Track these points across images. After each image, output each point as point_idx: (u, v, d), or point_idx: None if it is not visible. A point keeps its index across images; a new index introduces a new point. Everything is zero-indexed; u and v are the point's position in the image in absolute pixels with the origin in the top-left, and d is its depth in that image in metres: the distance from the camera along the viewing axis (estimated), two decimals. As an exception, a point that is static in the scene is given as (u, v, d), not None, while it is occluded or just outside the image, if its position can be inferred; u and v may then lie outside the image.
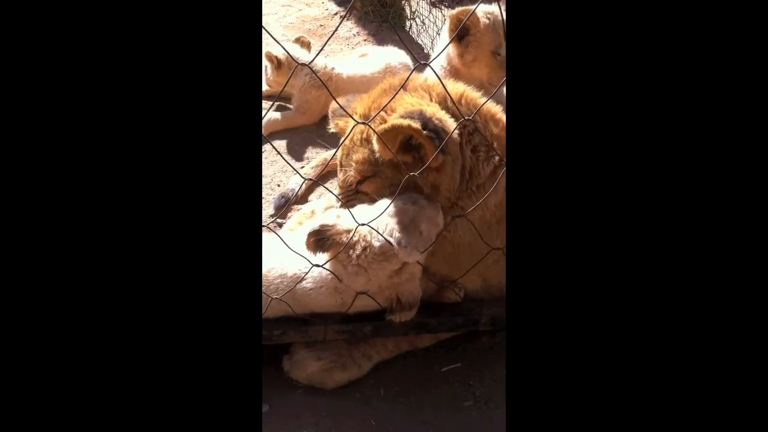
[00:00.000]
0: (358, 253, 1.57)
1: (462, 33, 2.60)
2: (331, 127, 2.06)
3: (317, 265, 1.58)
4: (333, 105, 2.05)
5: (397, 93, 1.58)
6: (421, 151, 1.63)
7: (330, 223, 1.59)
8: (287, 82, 2.77)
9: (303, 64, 1.45)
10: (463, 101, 1.76)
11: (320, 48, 1.52)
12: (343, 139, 1.76)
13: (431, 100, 1.72)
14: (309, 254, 1.58)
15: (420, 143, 1.60)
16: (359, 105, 1.83)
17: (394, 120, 1.58)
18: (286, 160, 1.58)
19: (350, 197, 1.81)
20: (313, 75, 3.16)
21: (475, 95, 1.79)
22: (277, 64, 3.27)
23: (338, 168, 1.87)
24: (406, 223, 1.57)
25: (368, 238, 1.56)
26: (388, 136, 1.59)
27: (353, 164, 1.76)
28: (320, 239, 1.55)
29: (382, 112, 1.64)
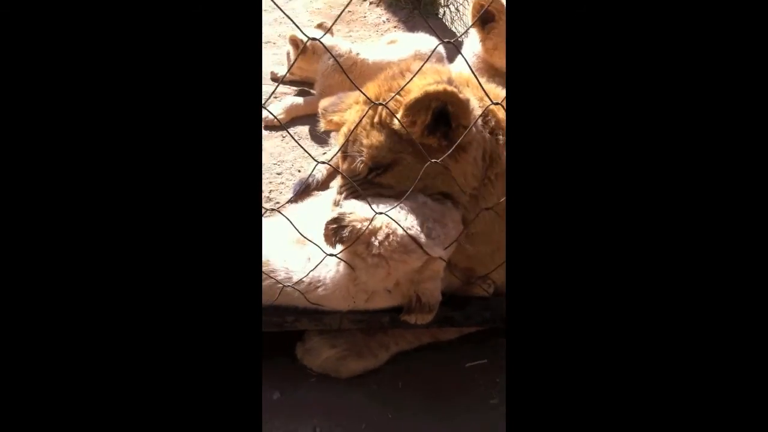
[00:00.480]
0: (380, 240, 1.43)
1: (486, 18, 2.50)
2: (323, 126, 1.83)
3: (331, 254, 1.46)
4: (322, 103, 1.84)
5: (415, 75, 1.42)
6: (453, 124, 1.49)
7: (348, 211, 1.45)
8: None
9: (314, 39, 1.31)
10: (470, 85, 1.63)
11: (330, 26, 1.40)
12: (346, 127, 1.58)
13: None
14: (323, 245, 1.47)
15: (456, 112, 1.46)
16: (370, 89, 1.64)
17: (427, 87, 1.44)
18: (301, 146, 1.42)
19: (357, 189, 1.60)
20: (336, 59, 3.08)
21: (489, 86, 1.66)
22: (302, 48, 3.17)
23: (340, 160, 1.67)
24: (436, 218, 1.47)
25: (392, 226, 1.43)
26: (419, 105, 1.45)
27: (364, 150, 1.56)
28: (339, 227, 1.42)
29: (398, 96, 1.49)
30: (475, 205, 1.59)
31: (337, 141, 1.76)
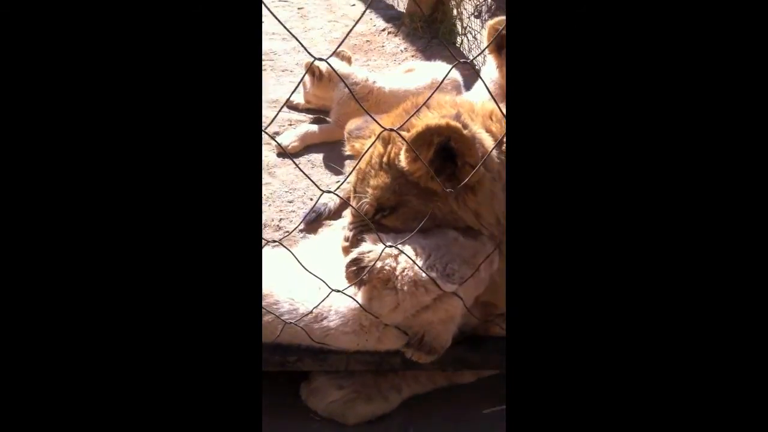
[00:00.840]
0: (397, 273, 1.39)
1: (502, 44, 2.46)
2: (347, 149, 1.83)
3: (337, 290, 1.37)
4: (349, 125, 1.83)
5: (425, 102, 1.36)
6: (458, 161, 1.41)
7: (367, 250, 1.40)
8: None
9: (320, 59, 1.25)
10: (493, 118, 1.53)
11: (336, 48, 1.36)
12: (358, 160, 1.53)
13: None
14: (335, 281, 1.40)
15: (460, 148, 1.38)
16: (385, 121, 1.56)
17: (429, 121, 1.36)
18: (307, 176, 1.32)
19: (363, 230, 1.56)
20: (354, 87, 3.06)
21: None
22: (319, 75, 3.17)
23: (351, 195, 1.63)
24: (466, 257, 1.41)
25: (410, 263, 1.38)
26: (421, 140, 1.37)
27: (370, 190, 1.52)
28: (359, 268, 1.37)
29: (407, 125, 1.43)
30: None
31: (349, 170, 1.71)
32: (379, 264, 1.37)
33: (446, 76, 1.39)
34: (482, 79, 1.40)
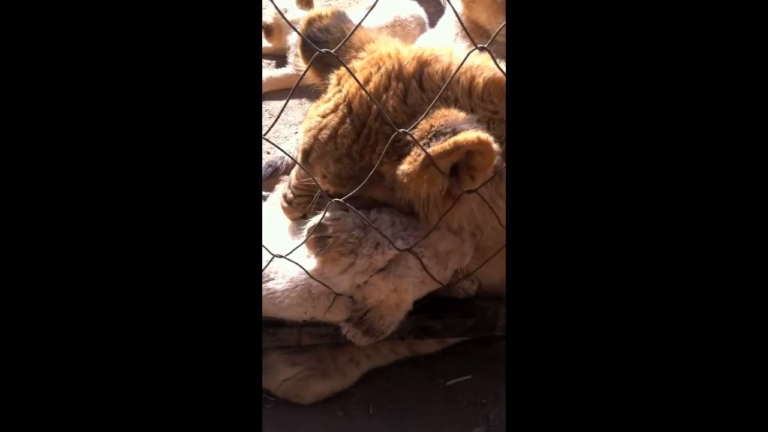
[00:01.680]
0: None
1: None
2: (299, 63, 1.56)
3: (280, 256, 1.25)
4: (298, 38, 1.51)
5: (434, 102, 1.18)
6: (469, 173, 1.25)
7: (334, 218, 1.30)
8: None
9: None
10: (492, 89, 1.33)
11: None
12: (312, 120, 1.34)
13: (457, 100, 1.30)
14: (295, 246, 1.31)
15: (481, 164, 1.21)
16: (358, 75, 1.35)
17: (461, 137, 1.16)
18: (268, 140, 1.16)
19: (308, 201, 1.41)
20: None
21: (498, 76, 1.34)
22: (267, 30, 3.11)
23: (298, 152, 1.44)
24: (439, 253, 1.37)
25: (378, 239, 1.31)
26: (445, 157, 1.18)
27: (324, 174, 1.34)
28: (322, 237, 1.28)
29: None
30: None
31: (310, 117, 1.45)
32: (344, 235, 1.28)
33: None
34: (456, 13, 1.22)
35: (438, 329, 1.57)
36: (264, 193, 2.31)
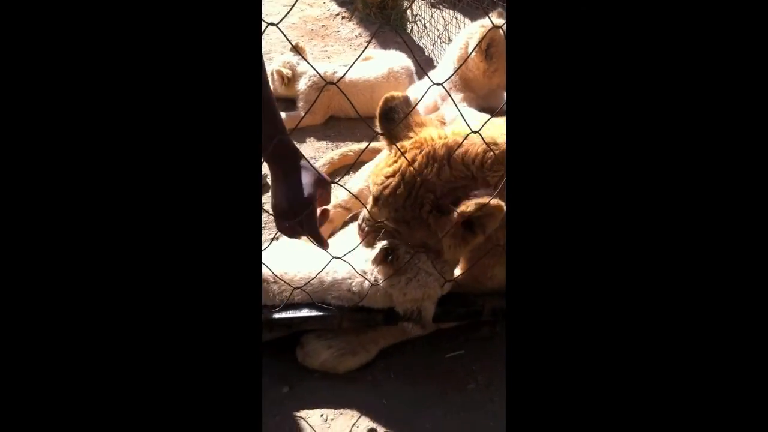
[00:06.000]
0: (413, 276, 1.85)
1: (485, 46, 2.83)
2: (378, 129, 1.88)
3: (337, 257, 1.72)
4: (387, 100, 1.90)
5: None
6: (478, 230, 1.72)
7: (395, 246, 1.82)
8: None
9: (330, 83, 1.60)
10: (499, 159, 1.74)
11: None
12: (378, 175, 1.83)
13: (473, 175, 1.75)
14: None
15: (490, 224, 1.68)
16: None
17: (483, 201, 1.63)
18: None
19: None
20: (313, 78, 3.39)
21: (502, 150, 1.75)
22: (290, 78, 3.47)
23: (370, 197, 1.89)
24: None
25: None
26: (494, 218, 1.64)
27: (387, 216, 1.82)
28: (389, 251, 1.79)
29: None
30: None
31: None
32: (401, 252, 1.81)
33: (423, 96, 1.73)
34: (445, 89, 1.70)
35: (438, 314, 1.94)
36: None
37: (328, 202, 1.72)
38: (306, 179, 1.59)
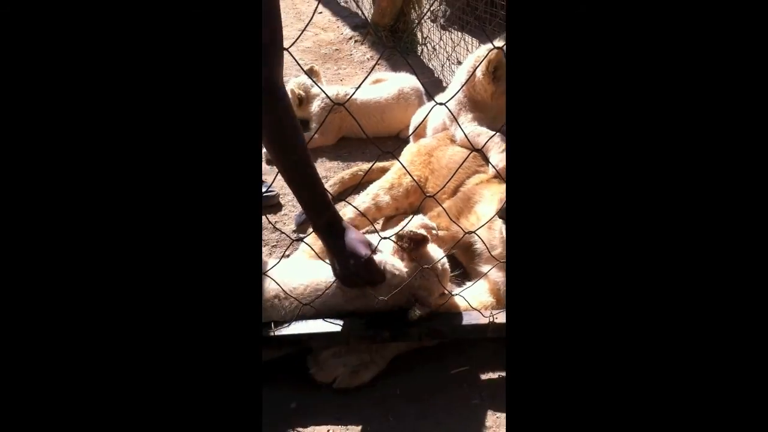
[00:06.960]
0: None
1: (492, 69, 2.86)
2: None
3: (385, 237, 1.88)
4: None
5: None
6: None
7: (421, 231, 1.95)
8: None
9: (338, 104, 1.67)
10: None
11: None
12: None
13: None
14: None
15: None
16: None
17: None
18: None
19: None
20: (326, 100, 3.47)
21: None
22: (305, 99, 3.57)
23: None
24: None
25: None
26: None
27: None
28: (415, 233, 1.92)
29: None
30: None
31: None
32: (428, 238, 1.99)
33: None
34: (448, 108, 1.77)
35: (447, 332, 2.01)
36: (301, 235, 2.82)
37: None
38: (352, 235, 1.85)
